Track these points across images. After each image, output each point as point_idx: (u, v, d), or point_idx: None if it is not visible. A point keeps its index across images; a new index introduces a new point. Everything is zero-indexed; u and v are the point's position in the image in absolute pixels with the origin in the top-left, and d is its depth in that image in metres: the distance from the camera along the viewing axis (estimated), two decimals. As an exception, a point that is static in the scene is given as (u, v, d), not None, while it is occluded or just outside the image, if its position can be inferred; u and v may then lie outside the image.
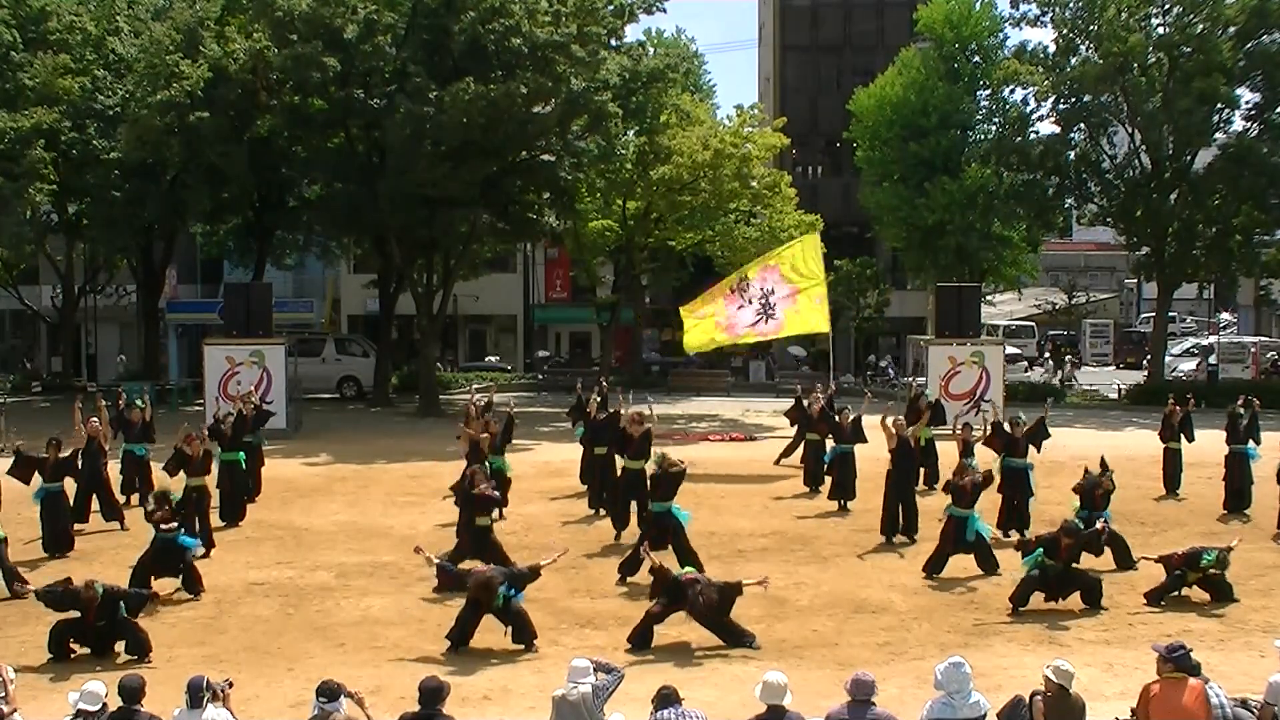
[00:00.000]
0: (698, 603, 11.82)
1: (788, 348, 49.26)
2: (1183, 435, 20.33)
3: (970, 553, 14.72)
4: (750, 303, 23.21)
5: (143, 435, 19.29)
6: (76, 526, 16.81)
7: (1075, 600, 13.21)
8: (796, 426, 22.84)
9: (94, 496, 17.66)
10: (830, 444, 20.01)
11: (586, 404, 20.04)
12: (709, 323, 23.46)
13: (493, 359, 47.96)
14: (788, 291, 23.13)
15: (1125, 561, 14.85)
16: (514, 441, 25.22)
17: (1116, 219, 38.04)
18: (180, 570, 13.76)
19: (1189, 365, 43.26)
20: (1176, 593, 13.45)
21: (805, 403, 21.87)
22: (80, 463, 17.00)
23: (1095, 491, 15.28)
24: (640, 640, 11.92)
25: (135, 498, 19.00)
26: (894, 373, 43.83)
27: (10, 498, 16.62)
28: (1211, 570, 13.34)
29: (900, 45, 43.25)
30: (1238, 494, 18.73)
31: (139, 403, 19.90)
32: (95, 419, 18.07)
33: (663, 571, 12.32)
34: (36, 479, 16.36)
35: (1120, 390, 38.05)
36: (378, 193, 30.02)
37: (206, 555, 15.45)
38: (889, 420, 17.23)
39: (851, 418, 19.64)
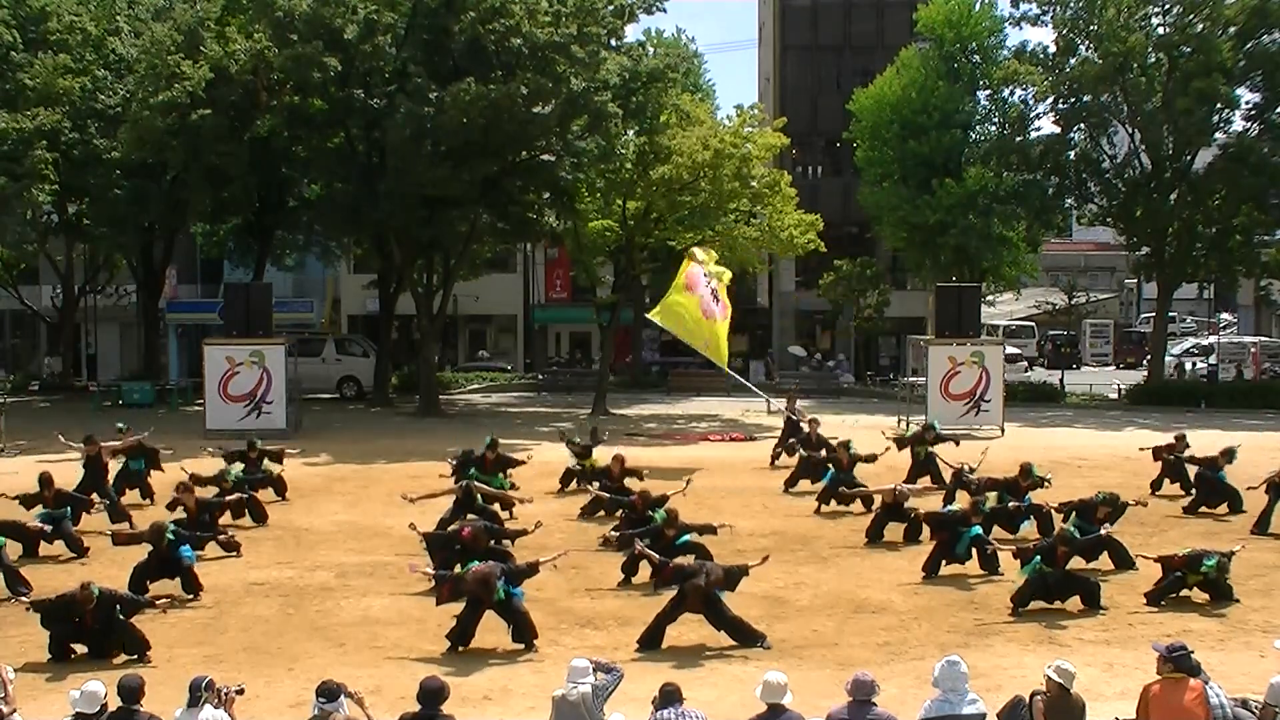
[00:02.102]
0: (704, 584, 11.81)
1: (788, 348, 49.34)
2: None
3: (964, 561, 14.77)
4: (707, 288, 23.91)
5: (138, 453, 19.54)
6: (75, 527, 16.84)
7: (1075, 600, 13.20)
8: (783, 433, 23.24)
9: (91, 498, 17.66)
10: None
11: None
12: (692, 306, 23.93)
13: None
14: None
15: (1124, 562, 14.85)
16: (513, 442, 25.34)
17: (1116, 219, 38.03)
18: (178, 575, 13.80)
19: (1187, 365, 43.29)
20: (1175, 594, 13.43)
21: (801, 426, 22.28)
22: (81, 475, 17.24)
23: (1095, 514, 15.20)
24: (650, 641, 11.91)
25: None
26: (841, 371, 44.15)
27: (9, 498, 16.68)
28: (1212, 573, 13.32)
29: (900, 45, 43.22)
30: (1232, 501, 18.65)
31: (119, 425, 20.55)
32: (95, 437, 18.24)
33: (666, 565, 12.34)
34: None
35: (1120, 390, 38.07)
36: (378, 193, 30.02)
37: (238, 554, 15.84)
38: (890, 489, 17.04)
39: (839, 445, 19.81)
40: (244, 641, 12.29)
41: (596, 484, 18.89)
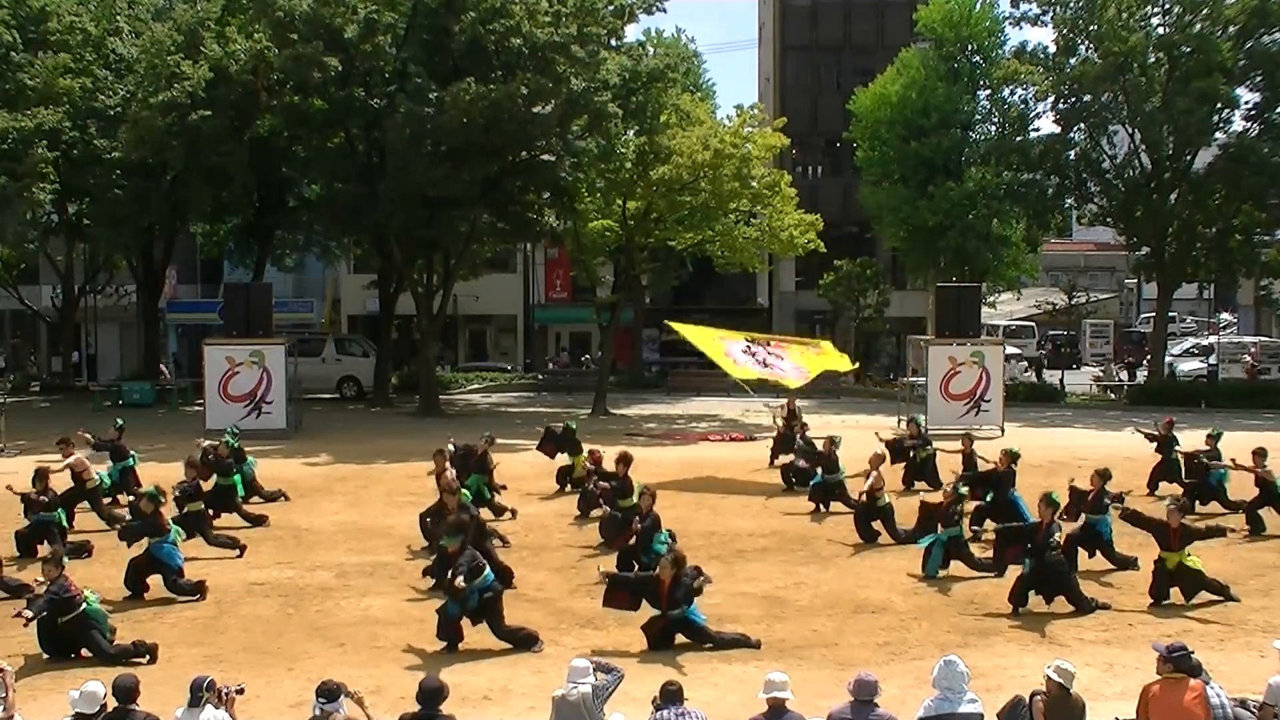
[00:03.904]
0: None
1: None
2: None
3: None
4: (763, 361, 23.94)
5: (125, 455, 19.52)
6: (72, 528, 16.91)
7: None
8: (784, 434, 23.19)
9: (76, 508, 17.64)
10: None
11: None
12: (732, 365, 24.02)
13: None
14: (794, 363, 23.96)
15: (1117, 560, 14.81)
16: (513, 442, 25.34)
17: (1116, 219, 38.02)
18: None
19: (1188, 365, 43.34)
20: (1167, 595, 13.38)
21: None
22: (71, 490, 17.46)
23: (1085, 499, 15.30)
24: (657, 643, 11.92)
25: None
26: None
27: (3, 497, 16.69)
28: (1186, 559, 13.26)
29: (900, 45, 43.26)
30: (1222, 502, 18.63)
31: (117, 421, 20.44)
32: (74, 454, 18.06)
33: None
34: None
35: (1116, 389, 38.10)
36: (378, 193, 30.01)
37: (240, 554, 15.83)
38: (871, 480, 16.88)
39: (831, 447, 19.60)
40: (244, 641, 12.28)
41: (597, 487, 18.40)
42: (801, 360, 23.94)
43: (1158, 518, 13.62)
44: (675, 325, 25.53)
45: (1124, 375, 42.65)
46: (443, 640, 11.83)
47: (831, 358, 25.04)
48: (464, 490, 16.04)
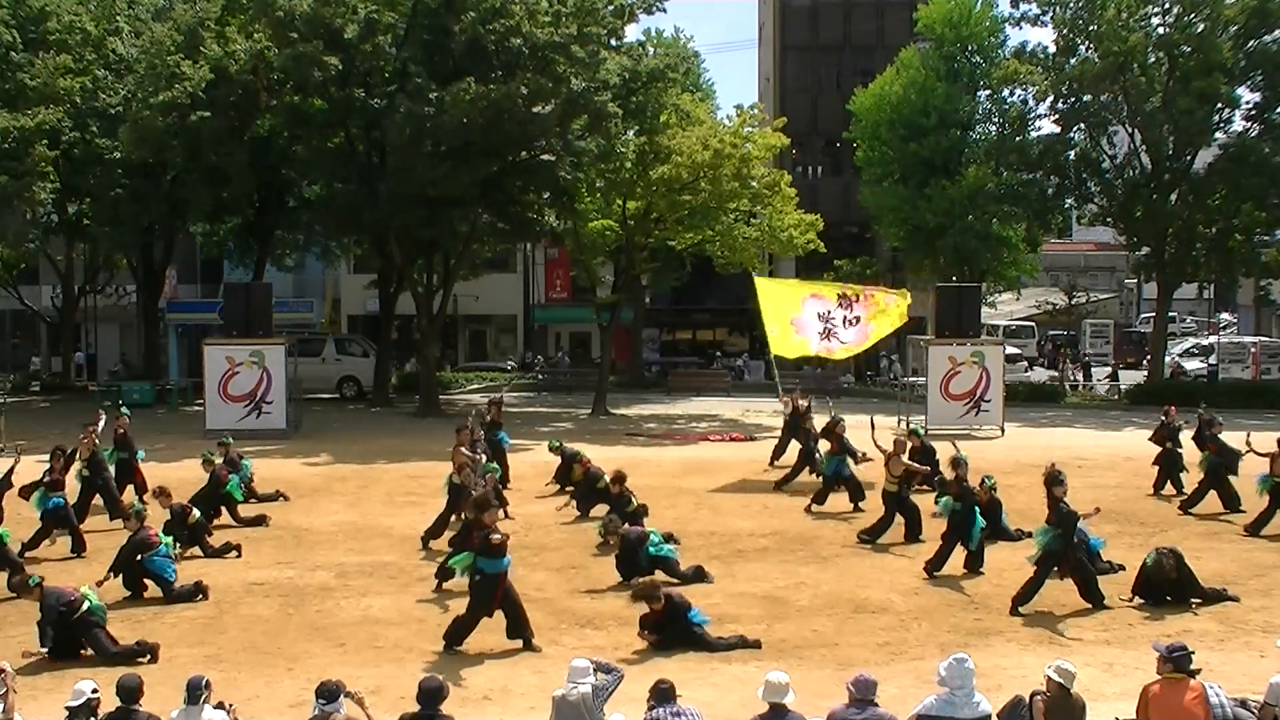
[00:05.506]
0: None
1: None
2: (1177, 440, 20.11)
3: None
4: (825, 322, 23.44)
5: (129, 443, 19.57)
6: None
7: (1075, 600, 13.19)
8: (785, 430, 23.06)
9: (93, 499, 17.77)
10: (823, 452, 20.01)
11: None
12: (788, 334, 23.42)
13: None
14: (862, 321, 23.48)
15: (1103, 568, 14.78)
16: (514, 442, 25.34)
17: (1116, 219, 38.01)
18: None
19: (1188, 365, 43.36)
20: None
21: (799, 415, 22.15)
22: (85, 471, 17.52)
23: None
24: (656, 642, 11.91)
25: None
26: (748, 372, 44.20)
27: (10, 494, 16.70)
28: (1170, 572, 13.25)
29: (900, 45, 43.24)
30: (1228, 500, 18.58)
31: (124, 411, 20.57)
32: (94, 427, 18.32)
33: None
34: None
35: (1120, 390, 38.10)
36: (378, 193, 30.03)
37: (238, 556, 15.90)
38: (891, 463, 16.76)
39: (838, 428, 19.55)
40: (244, 641, 12.28)
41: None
42: (872, 319, 23.49)
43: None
44: (757, 281, 24.63)
45: (1079, 375, 42.66)
46: (446, 640, 11.82)
47: (894, 317, 24.46)
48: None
